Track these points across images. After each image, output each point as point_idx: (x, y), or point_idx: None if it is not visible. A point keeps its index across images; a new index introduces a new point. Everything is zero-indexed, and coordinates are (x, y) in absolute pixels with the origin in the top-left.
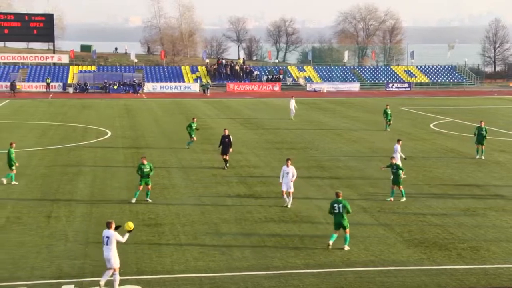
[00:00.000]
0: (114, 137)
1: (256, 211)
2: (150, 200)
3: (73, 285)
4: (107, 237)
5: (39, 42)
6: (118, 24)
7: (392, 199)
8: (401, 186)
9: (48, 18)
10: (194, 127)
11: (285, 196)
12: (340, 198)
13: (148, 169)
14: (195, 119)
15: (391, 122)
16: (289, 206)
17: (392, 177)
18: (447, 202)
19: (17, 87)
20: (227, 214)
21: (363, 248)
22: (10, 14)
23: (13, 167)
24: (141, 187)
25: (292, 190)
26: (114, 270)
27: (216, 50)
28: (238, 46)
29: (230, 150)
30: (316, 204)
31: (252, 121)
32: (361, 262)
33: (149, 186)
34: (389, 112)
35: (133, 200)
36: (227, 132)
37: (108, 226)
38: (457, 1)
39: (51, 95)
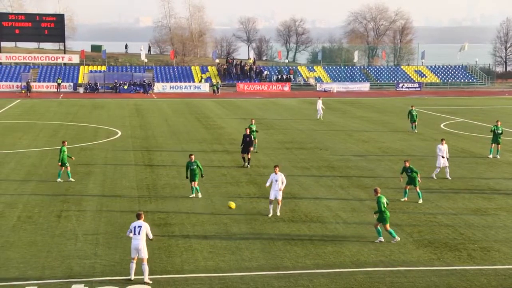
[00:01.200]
0: (124, 137)
1: (266, 211)
2: (200, 196)
3: (83, 285)
4: (140, 226)
5: (49, 42)
6: (128, 24)
7: (406, 199)
8: (417, 187)
9: (59, 19)
10: (254, 129)
11: (271, 205)
12: None
13: (194, 167)
14: (254, 121)
15: (416, 123)
16: (278, 213)
17: (407, 178)
18: (457, 202)
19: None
20: (237, 214)
21: (373, 249)
22: (21, 14)
23: (66, 165)
24: (193, 183)
25: (280, 198)
26: (143, 260)
27: (226, 50)
28: (248, 46)
29: (251, 148)
30: (326, 204)
31: (262, 121)
32: (371, 262)
33: (196, 183)
34: (414, 113)
35: (199, 195)
36: (248, 131)
37: (139, 217)
38: (469, 1)
39: (61, 95)
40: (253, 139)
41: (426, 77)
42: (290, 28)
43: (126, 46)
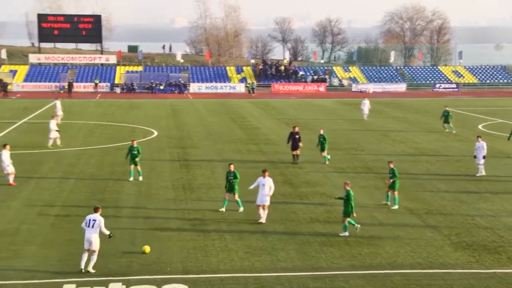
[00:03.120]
0: (160, 137)
1: (301, 211)
2: (241, 210)
3: (120, 283)
4: (94, 220)
5: (87, 43)
6: (164, 25)
7: (388, 203)
8: (396, 192)
9: (96, 19)
10: (322, 140)
11: (260, 210)
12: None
13: (232, 177)
14: (322, 130)
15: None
16: (263, 221)
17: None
18: (495, 204)
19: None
20: (272, 214)
21: (410, 250)
22: (60, 15)
23: (132, 164)
24: (227, 195)
25: (267, 203)
26: (94, 251)
27: (261, 50)
28: (284, 47)
29: (301, 144)
30: (361, 205)
31: (297, 121)
32: (407, 264)
33: (236, 196)
34: (446, 114)
35: (222, 209)
36: (296, 129)
37: (96, 210)
38: (507, 0)
39: (98, 95)
40: (300, 136)
41: (463, 77)
42: (325, 28)
43: (164, 47)
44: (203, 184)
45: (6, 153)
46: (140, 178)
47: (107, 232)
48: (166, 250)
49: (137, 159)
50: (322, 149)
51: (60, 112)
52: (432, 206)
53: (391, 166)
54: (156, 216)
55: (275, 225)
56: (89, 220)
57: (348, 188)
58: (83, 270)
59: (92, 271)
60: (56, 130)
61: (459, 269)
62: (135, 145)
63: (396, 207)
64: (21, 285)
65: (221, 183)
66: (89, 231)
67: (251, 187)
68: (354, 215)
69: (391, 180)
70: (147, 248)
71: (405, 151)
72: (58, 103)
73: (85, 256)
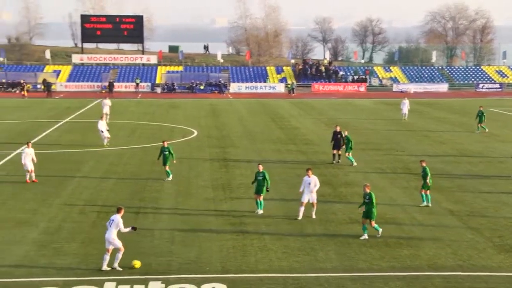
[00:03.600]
0: (200, 136)
1: (340, 212)
2: (261, 212)
3: (160, 282)
4: (112, 220)
5: (129, 43)
6: (204, 25)
7: (428, 204)
8: (427, 191)
9: (138, 20)
10: (346, 141)
11: (302, 207)
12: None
13: (261, 177)
14: (347, 132)
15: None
16: (314, 216)
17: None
18: None
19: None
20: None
21: (450, 252)
22: (102, 16)
23: (166, 164)
24: (256, 196)
25: (315, 201)
26: (119, 249)
27: (301, 50)
28: (324, 46)
29: (343, 146)
30: (401, 206)
31: (337, 121)
32: (448, 266)
33: (261, 197)
34: (480, 114)
35: (258, 211)
36: (339, 129)
37: (118, 211)
38: None
39: (139, 95)
40: (343, 136)
41: (507, 77)
42: (366, 28)
43: (205, 47)
44: (242, 184)
45: (27, 151)
46: (170, 178)
47: (127, 230)
48: (205, 250)
49: (171, 160)
50: (346, 150)
51: (105, 111)
52: (474, 208)
53: (423, 164)
54: (196, 215)
55: (314, 225)
56: (110, 219)
57: (369, 191)
58: (108, 269)
59: (119, 269)
60: (107, 130)
61: (503, 272)
62: (165, 145)
63: (424, 204)
64: (62, 282)
65: None
66: (108, 231)
67: (301, 189)
68: (359, 211)
69: (427, 181)
70: (137, 263)
71: (446, 152)
72: (105, 102)
73: (106, 257)
